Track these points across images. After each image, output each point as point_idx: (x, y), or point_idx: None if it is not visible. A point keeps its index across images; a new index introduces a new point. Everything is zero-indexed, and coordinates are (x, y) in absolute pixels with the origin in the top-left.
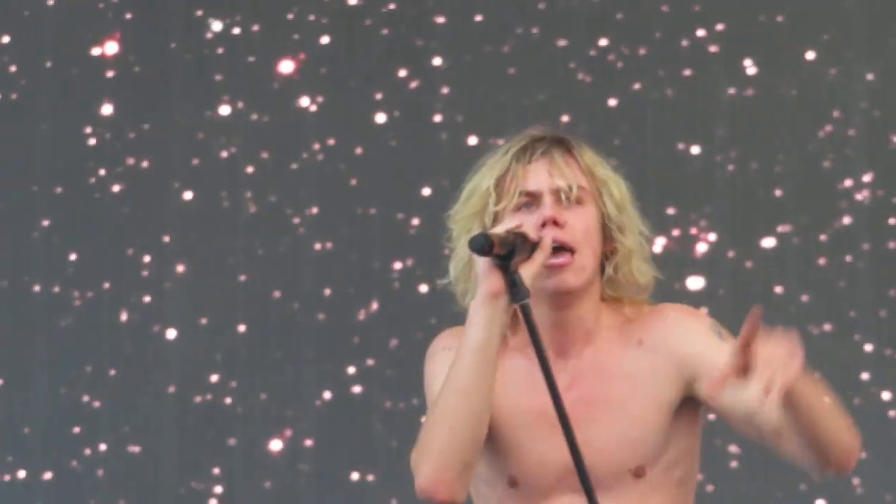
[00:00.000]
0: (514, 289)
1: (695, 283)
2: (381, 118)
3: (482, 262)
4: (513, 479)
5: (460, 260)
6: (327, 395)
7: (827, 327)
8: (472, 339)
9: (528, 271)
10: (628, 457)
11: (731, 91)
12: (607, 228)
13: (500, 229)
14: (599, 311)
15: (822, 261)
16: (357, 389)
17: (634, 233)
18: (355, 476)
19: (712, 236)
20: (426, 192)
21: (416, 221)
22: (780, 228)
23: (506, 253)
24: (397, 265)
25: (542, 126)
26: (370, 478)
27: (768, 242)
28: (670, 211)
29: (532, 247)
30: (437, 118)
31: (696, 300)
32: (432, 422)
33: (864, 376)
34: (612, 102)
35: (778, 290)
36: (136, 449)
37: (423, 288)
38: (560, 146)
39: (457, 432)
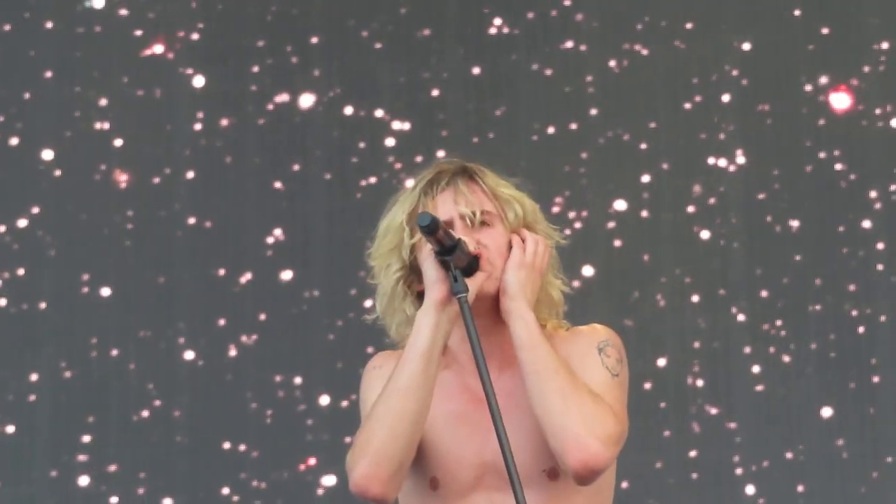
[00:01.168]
0: (455, 283)
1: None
2: (257, 93)
3: (431, 270)
4: (434, 481)
5: (384, 295)
6: (200, 363)
7: (695, 298)
8: (418, 345)
9: (472, 286)
10: (541, 457)
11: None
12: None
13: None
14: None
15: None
16: (230, 362)
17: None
18: (227, 445)
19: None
20: (296, 167)
21: (288, 195)
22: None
23: (448, 246)
24: (269, 239)
25: (448, 159)
26: (241, 447)
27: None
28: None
29: (471, 259)
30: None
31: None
32: (372, 421)
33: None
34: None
35: (646, 258)
36: (10, 429)
37: (294, 262)
38: (463, 175)
39: (395, 430)
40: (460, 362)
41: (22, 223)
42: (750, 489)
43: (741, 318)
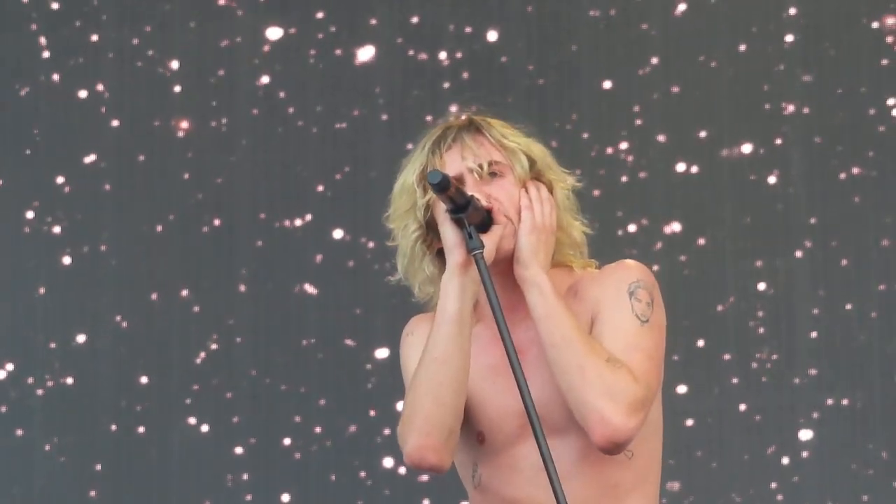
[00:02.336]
0: (470, 240)
1: None
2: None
3: (448, 232)
4: (480, 435)
5: (404, 256)
6: (81, 338)
7: (756, 243)
8: (448, 310)
9: (488, 242)
10: None
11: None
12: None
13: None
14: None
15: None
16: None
17: (558, 189)
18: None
19: None
20: (185, 125)
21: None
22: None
23: (461, 203)
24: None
25: (456, 114)
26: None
27: None
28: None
29: (484, 214)
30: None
31: None
32: (414, 393)
33: None
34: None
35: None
36: (69, 380)
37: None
38: (469, 129)
39: (439, 399)
40: (492, 315)
41: (84, 170)
42: (806, 434)
43: (803, 260)
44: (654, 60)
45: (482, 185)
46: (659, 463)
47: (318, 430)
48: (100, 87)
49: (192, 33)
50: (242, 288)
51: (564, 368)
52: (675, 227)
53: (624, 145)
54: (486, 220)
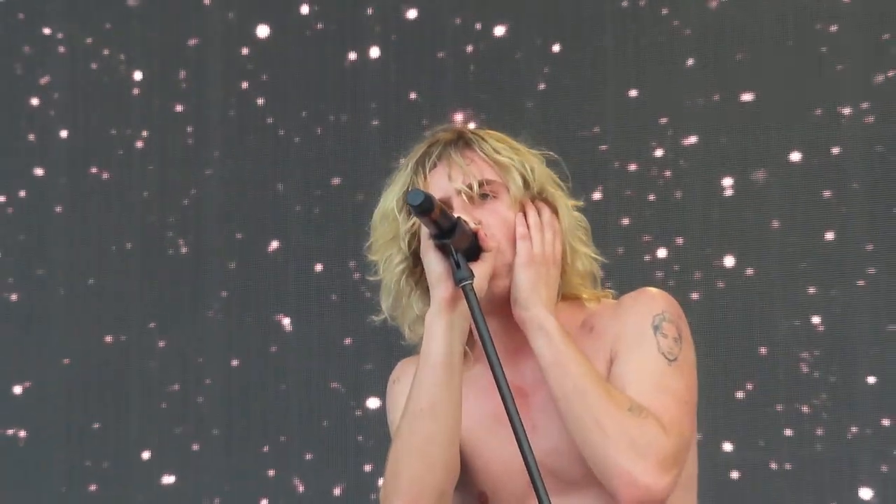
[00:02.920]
0: (457, 270)
1: None
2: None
3: (433, 263)
4: (483, 496)
5: (389, 293)
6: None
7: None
8: (433, 353)
9: (479, 271)
10: None
11: None
12: None
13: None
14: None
15: None
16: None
17: (563, 210)
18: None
19: None
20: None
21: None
22: None
23: (446, 228)
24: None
25: (444, 126)
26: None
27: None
28: None
29: (472, 238)
30: None
31: None
32: (398, 449)
33: None
34: None
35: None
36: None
37: None
38: (458, 144)
39: (427, 456)
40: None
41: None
42: (866, 494)
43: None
44: (690, 62)
45: (473, 208)
46: None
47: (300, 488)
48: (48, 91)
49: (156, 29)
50: (212, 318)
51: (579, 423)
52: (714, 252)
53: (658, 153)
54: (475, 246)
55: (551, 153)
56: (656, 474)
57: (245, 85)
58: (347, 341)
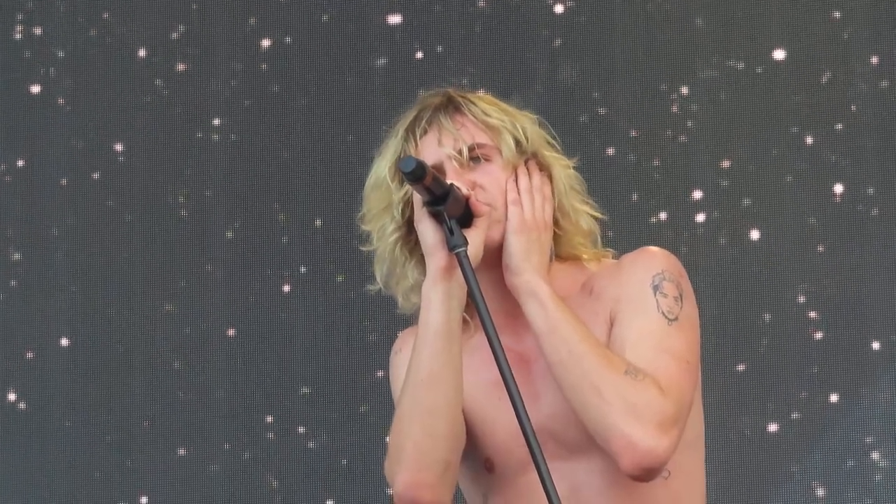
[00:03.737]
0: (451, 237)
1: None
2: None
3: (427, 232)
4: (489, 462)
5: (383, 262)
6: None
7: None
8: (431, 323)
9: (474, 238)
10: None
11: None
12: None
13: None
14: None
15: None
16: None
17: (559, 171)
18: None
19: None
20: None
21: None
22: None
23: (439, 195)
24: None
25: (433, 90)
26: None
27: None
28: None
29: (465, 204)
30: None
31: None
32: (400, 421)
33: None
34: None
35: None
36: None
37: None
38: (447, 108)
39: (430, 428)
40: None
41: None
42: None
43: None
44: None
45: (465, 172)
46: (702, 481)
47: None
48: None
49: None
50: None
51: (576, 388)
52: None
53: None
54: (468, 212)
55: (538, 117)
56: (656, 437)
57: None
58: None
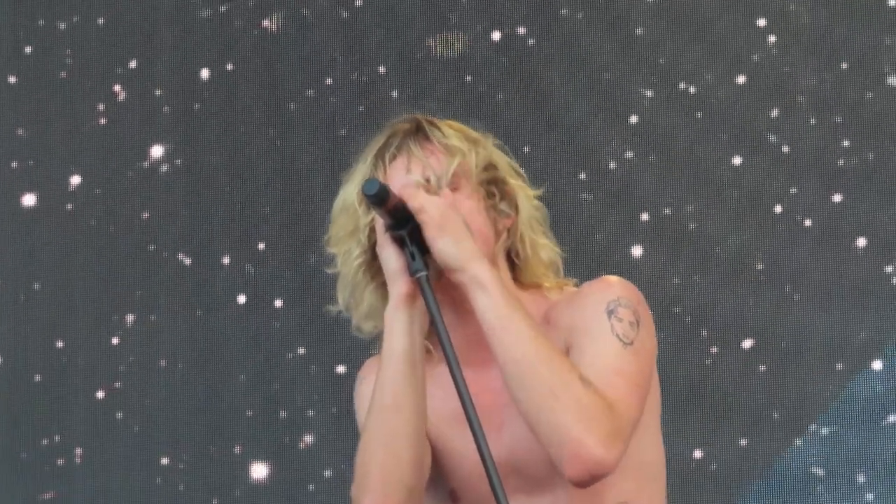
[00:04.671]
0: (413, 262)
1: None
2: None
3: (390, 258)
4: (454, 493)
5: (346, 285)
6: None
7: None
8: (395, 349)
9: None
10: None
11: None
12: (494, 207)
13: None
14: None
15: None
16: None
17: (522, 199)
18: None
19: None
20: None
21: None
22: None
23: (402, 219)
24: None
25: (404, 116)
26: None
27: None
28: None
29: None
30: None
31: None
32: (366, 446)
33: None
34: None
35: None
36: None
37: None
38: (416, 134)
39: (395, 452)
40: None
41: None
42: None
43: None
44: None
45: None
46: None
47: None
48: None
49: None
50: None
51: (530, 390)
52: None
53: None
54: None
55: (500, 142)
56: (607, 446)
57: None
58: None
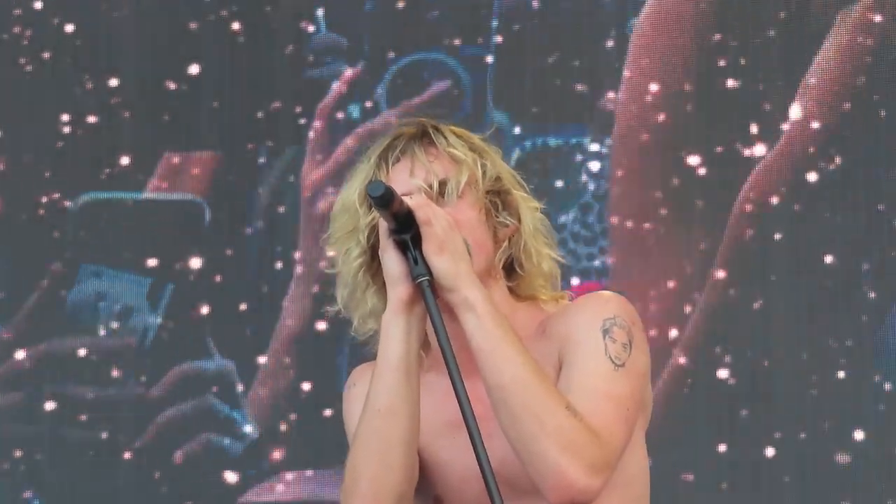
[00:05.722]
0: (414, 266)
1: None
2: None
3: (391, 262)
4: (438, 500)
5: (345, 286)
6: None
7: None
8: (391, 355)
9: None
10: None
11: None
12: (496, 217)
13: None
14: (512, 313)
15: None
16: None
17: (526, 211)
18: None
19: None
20: None
21: None
22: None
23: (406, 223)
24: None
25: (410, 119)
26: None
27: None
28: None
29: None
30: None
31: None
32: (357, 452)
33: None
34: None
35: None
36: None
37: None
38: (421, 139)
39: (386, 459)
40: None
41: None
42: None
43: None
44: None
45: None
46: None
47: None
48: None
49: None
50: None
51: (516, 416)
52: None
53: None
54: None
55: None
56: (590, 476)
57: None
58: None
